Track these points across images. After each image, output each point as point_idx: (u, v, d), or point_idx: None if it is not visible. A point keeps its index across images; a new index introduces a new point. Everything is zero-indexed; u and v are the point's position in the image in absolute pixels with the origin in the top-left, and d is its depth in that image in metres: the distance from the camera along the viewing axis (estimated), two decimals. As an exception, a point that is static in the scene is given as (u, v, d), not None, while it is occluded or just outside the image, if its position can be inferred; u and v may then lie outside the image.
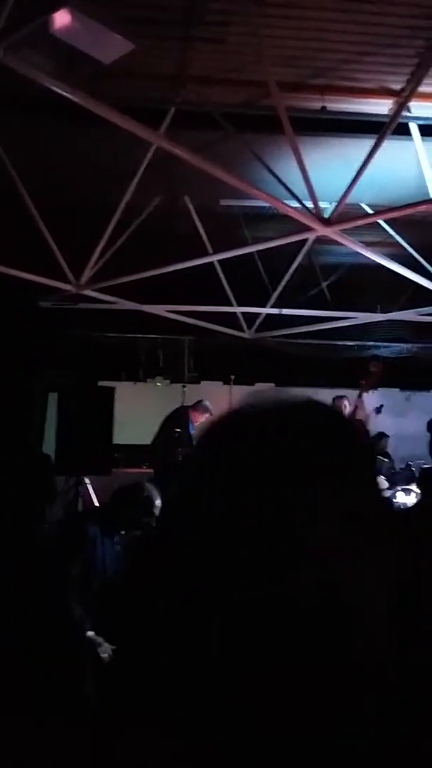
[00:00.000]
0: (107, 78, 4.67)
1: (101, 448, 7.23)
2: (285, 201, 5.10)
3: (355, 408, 7.01)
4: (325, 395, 7.56)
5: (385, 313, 8.34)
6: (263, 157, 5.44)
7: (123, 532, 3.87)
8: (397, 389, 10.45)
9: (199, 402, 8.01)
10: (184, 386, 8.08)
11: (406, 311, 8.05)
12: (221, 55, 4.65)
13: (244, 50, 4.45)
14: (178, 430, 7.53)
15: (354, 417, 6.95)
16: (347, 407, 7.40)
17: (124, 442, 8.73)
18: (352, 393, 8.14)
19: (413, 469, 8.04)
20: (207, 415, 7.99)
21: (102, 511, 4.34)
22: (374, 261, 6.09)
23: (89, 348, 9.54)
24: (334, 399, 7.55)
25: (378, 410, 8.37)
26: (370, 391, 6.79)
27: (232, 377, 10.08)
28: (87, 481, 7.28)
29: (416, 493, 6.43)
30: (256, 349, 9.47)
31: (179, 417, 7.80)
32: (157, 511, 3.88)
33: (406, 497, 7.57)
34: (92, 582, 3.67)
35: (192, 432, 7.87)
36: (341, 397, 7.54)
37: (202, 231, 7.17)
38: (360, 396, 6.96)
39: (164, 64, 4.76)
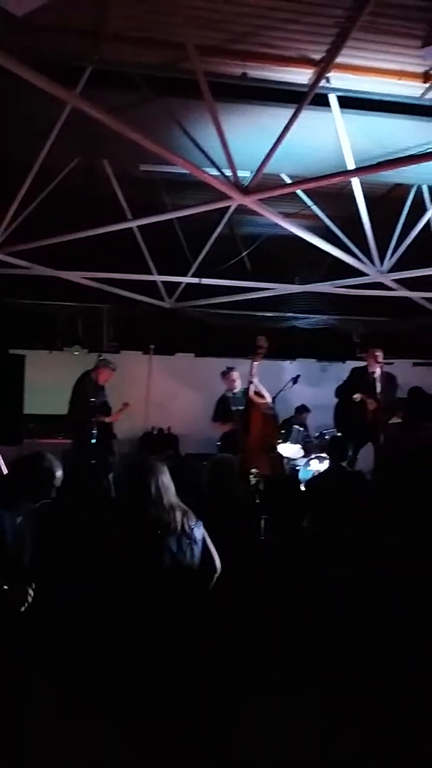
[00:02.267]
0: (21, 32, 4.45)
1: (11, 418, 7.04)
2: (204, 168, 5.04)
3: (250, 382, 7.28)
4: (242, 365, 7.64)
5: (303, 284, 8.45)
6: (183, 123, 5.36)
7: (24, 505, 3.73)
8: (314, 360, 10.66)
9: (99, 361, 7.84)
10: (100, 355, 7.95)
11: (323, 283, 8.18)
12: (140, 13, 4.50)
13: (163, 9, 4.33)
14: (93, 399, 7.41)
15: (249, 389, 7.20)
16: (236, 379, 7.52)
17: (39, 411, 8.54)
18: (268, 363, 8.27)
19: (327, 437, 8.27)
20: (110, 369, 7.83)
21: (2, 483, 4.17)
22: (294, 233, 6.13)
23: (1, 314, 9.22)
24: (223, 372, 7.68)
25: (294, 380, 8.52)
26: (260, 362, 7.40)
27: (152, 347, 10.02)
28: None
29: (328, 460, 6.61)
30: (176, 318, 9.43)
31: (86, 383, 7.65)
32: (57, 483, 3.78)
33: (320, 464, 7.80)
34: None
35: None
36: (231, 369, 7.66)
37: (120, 196, 7.03)
38: (251, 370, 7.30)
39: (81, 19, 4.58)
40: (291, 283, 8.63)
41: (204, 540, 3.48)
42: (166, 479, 3.50)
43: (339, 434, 6.23)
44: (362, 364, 7.92)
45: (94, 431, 7.28)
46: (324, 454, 7.67)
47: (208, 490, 4.43)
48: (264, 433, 7.14)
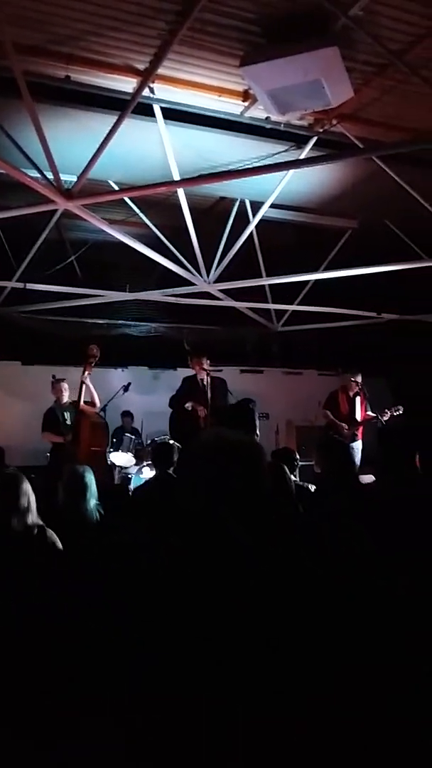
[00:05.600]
0: None
1: None
2: (26, 170, 4.89)
3: (84, 389, 7.18)
4: (72, 374, 7.50)
5: (134, 292, 8.45)
6: (4, 122, 5.16)
7: None
8: (145, 367, 10.69)
9: None
10: None
11: (152, 291, 8.23)
12: None
13: (-20, 3, 4.15)
14: None
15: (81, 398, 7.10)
16: (64, 390, 7.37)
17: None
18: (99, 370, 8.15)
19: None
20: None
21: None
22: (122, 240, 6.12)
23: None
24: (52, 382, 7.49)
25: (126, 388, 8.49)
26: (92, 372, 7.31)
27: (-26, 354, 9.55)
28: None
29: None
30: (0, 324, 9.06)
31: None
32: None
33: (152, 472, 7.81)
34: None
35: None
36: (60, 380, 7.48)
37: None
38: (83, 379, 7.21)
39: None
40: (122, 290, 8.60)
41: None
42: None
43: (166, 441, 6.27)
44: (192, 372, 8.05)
45: None
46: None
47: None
48: (92, 442, 7.06)
